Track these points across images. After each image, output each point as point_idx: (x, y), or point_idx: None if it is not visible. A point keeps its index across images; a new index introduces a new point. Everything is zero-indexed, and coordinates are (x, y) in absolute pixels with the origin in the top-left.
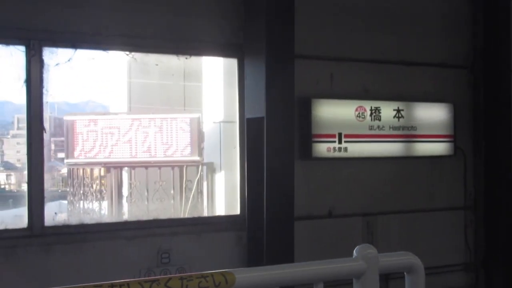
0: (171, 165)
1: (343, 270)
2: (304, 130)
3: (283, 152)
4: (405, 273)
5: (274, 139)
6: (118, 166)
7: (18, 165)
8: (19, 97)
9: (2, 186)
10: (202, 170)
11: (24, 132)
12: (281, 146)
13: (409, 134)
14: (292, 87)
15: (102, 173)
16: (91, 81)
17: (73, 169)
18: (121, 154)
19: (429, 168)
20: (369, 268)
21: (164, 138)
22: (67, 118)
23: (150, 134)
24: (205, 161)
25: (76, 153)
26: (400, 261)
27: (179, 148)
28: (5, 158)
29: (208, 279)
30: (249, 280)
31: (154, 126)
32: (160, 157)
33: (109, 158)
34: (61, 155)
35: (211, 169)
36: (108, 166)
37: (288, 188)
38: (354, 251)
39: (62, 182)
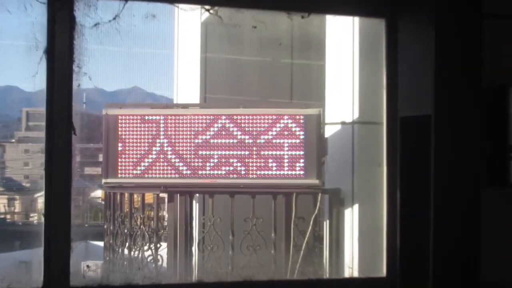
0: (272, 191)
1: None
2: (496, 139)
3: (462, 173)
4: None
5: (448, 152)
6: (187, 192)
7: (25, 184)
8: (33, 80)
9: (1, 216)
10: (322, 201)
11: (37, 134)
12: (460, 163)
13: None
14: (479, 67)
15: (161, 202)
16: (145, 55)
17: (114, 194)
18: (192, 172)
19: None
20: None
21: (261, 148)
22: (108, 112)
23: (238, 141)
24: (327, 186)
25: (120, 169)
26: None
27: (286, 165)
28: (7, 174)
29: None
30: None
31: (246, 128)
32: (254, 178)
33: (172, 178)
34: (91, 170)
35: (337, 200)
36: (171, 191)
37: (470, 234)
38: None
39: (90, 213)
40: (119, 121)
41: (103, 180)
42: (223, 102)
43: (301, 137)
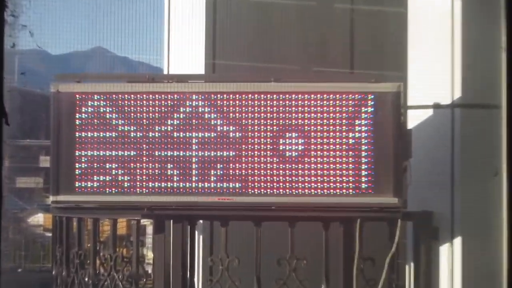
0: (323, 216)
1: None
2: None
3: None
4: None
5: None
6: (185, 216)
7: None
8: None
9: None
10: (403, 232)
11: None
12: None
13: None
14: None
15: (144, 234)
16: None
17: (68, 220)
18: (193, 184)
19: None
20: None
21: (304, 146)
22: (59, 89)
23: (267, 136)
24: (412, 208)
25: (79, 180)
26: None
27: (344, 174)
28: None
29: None
30: None
31: (279, 115)
32: (293, 195)
33: (161, 194)
34: (28, 182)
35: (428, 229)
36: (160, 215)
37: None
38: None
39: (27, 251)
40: (77, 103)
41: (51, 198)
42: (243, 72)
43: (369, 128)
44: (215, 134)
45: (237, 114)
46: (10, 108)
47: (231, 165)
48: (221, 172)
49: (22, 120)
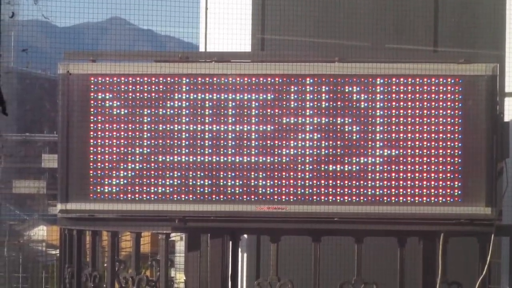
0: (397, 230)
1: None
2: None
3: None
4: None
5: None
6: (225, 230)
7: None
8: None
9: None
10: (497, 250)
11: None
12: None
13: None
14: None
15: (171, 250)
16: None
17: (79, 234)
18: (236, 190)
19: None
20: None
21: (374, 144)
22: (70, 70)
23: (328, 131)
24: (508, 221)
25: (94, 184)
26: None
27: (424, 178)
28: None
29: None
30: None
31: (345, 104)
32: (359, 203)
33: (197, 202)
34: (29, 186)
35: None
36: (194, 228)
37: None
38: None
39: (27, 272)
40: (92, 87)
41: (59, 207)
42: (298, 50)
43: (456, 121)
44: (263, 128)
45: (292, 103)
46: (8, 94)
47: (284, 166)
48: (271, 175)
49: (22, 109)
